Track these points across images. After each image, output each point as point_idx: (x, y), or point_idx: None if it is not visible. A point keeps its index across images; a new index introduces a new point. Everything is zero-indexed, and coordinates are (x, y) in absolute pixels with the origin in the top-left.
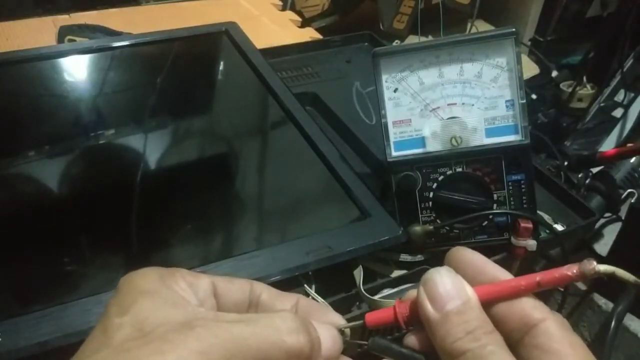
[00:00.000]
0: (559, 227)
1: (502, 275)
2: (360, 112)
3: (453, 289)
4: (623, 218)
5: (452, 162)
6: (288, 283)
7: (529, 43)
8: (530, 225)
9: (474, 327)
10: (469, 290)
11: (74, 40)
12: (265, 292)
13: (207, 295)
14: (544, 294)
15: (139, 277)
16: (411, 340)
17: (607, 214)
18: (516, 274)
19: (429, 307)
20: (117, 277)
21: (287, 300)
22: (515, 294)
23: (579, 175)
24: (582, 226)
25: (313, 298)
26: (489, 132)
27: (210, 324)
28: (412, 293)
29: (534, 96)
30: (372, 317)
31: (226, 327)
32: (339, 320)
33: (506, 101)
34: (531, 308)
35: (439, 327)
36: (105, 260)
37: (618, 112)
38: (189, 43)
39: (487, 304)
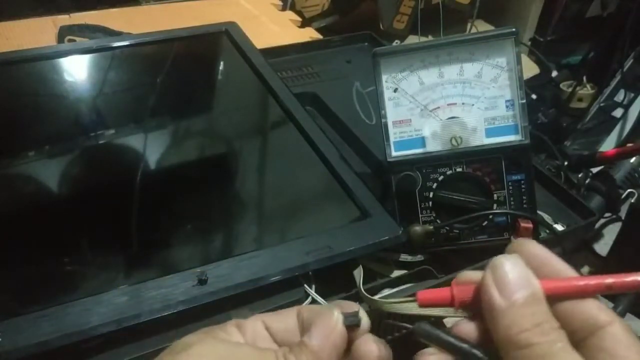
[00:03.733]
0: (559, 227)
1: (566, 270)
2: (360, 112)
3: (522, 279)
4: (623, 218)
5: (452, 162)
6: (288, 283)
7: (529, 43)
8: (530, 225)
9: (542, 320)
10: (536, 283)
11: (74, 40)
12: (307, 312)
13: (258, 332)
14: None
15: (188, 336)
16: (462, 328)
17: (607, 214)
18: None
19: (495, 294)
20: (117, 277)
21: (327, 313)
22: (582, 294)
23: (579, 175)
24: (582, 226)
25: (313, 298)
26: (489, 132)
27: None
28: (469, 276)
29: (534, 96)
30: (426, 296)
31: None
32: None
33: (506, 101)
34: (598, 309)
35: (504, 315)
36: (105, 260)
37: (618, 112)
38: (189, 43)
39: (551, 300)
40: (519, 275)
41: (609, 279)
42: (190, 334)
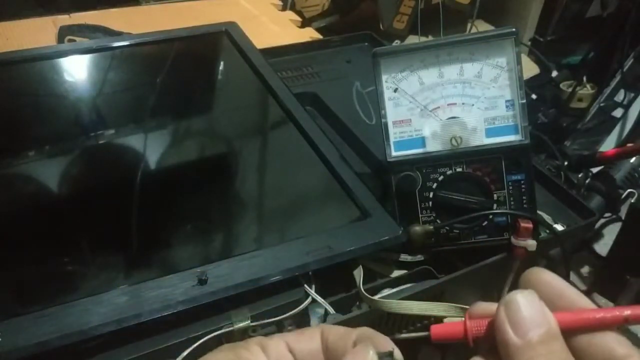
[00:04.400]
0: (559, 227)
1: (581, 301)
2: (360, 112)
3: (537, 315)
4: (623, 218)
5: (452, 162)
6: (288, 283)
7: (529, 43)
8: (530, 225)
9: (558, 358)
10: (552, 319)
11: (74, 40)
12: (332, 335)
13: (282, 354)
14: None
15: (211, 354)
16: None
17: (607, 214)
18: (516, 274)
19: (509, 331)
20: (117, 277)
21: (350, 336)
22: (599, 326)
23: (579, 175)
24: (582, 226)
25: (313, 298)
26: (489, 132)
27: None
28: (482, 308)
29: (534, 96)
30: (439, 331)
31: None
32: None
33: (506, 101)
34: (615, 342)
35: (519, 354)
36: (105, 260)
37: (618, 112)
38: (189, 43)
39: (568, 333)
40: (534, 312)
41: (627, 311)
42: (214, 351)
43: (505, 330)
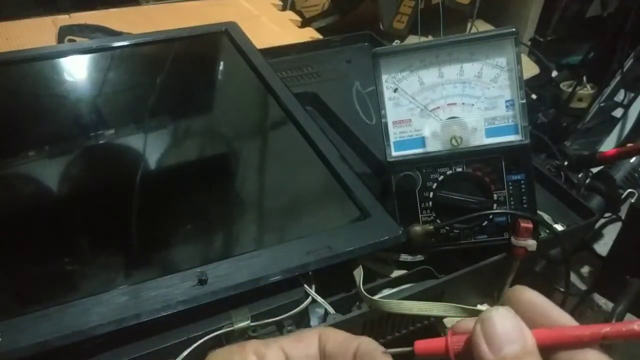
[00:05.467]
0: (559, 227)
1: (564, 320)
2: (360, 112)
3: (512, 332)
4: (623, 218)
5: (452, 162)
6: (288, 283)
7: (529, 43)
8: (530, 225)
9: None
10: (528, 335)
11: (74, 40)
12: (330, 342)
13: None
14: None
15: (210, 357)
16: None
17: (607, 214)
18: (516, 274)
19: (484, 348)
20: (117, 277)
21: (351, 345)
22: (578, 344)
23: (579, 175)
24: (582, 226)
25: (313, 298)
26: (489, 132)
27: None
28: (466, 324)
29: (534, 96)
30: (422, 346)
31: None
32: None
33: (506, 101)
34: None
35: None
36: (105, 260)
37: (618, 112)
38: (189, 43)
39: (547, 350)
40: (509, 329)
41: (605, 328)
42: (209, 357)
43: (480, 347)
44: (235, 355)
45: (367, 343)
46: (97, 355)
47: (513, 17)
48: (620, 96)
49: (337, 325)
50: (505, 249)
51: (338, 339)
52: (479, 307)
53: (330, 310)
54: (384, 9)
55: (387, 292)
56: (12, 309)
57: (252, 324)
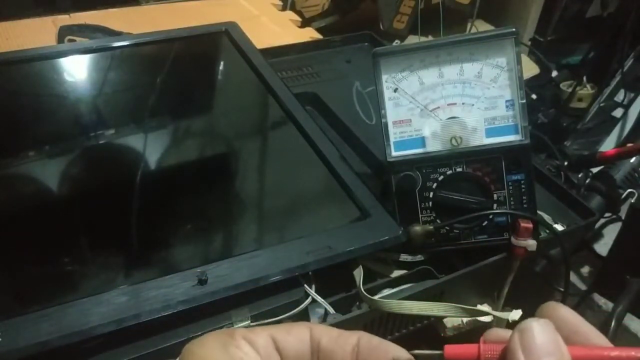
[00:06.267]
0: (559, 227)
1: (596, 338)
2: (360, 112)
3: (550, 344)
4: (623, 218)
5: (452, 162)
6: (288, 283)
7: (529, 43)
8: (530, 225)
9: None
10: (565, 350)
11: (74, 40)
12: (325, 337)
13: (269, 352)
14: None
15: (198, 347)
16: None
17: (607, 214)
18: (516, 274)
19: (521, 357)
20: (117, 277)
21: (348, 341)
22: None
23: (579, 175)
24: (582, 226)
25: (313, 298)
26: (489, 132)
27: None
28: (497, 333)
29: (534, 96)
30: (453, 351)
31: None
32: (404, 354)
33: (506, 101)
34: None
35: None
36: (105, 260)
37: (618, 112)
38: (189, 43)
39: None
40: (547, 340)
41: None
42: (199, 343)
43: (517, 356)
44: (226, 342)
45: (369, 338)
46: (97, 355)
47: (513, 17)
48: (620, 96)
49: (337, 325)
50: (505, 249)
51: (332, 334)
52: (479, 307)
53: (330, 310)
54: (384, 9)
55: (387, 292)
56: (12, 309)
57: (252, 323)
